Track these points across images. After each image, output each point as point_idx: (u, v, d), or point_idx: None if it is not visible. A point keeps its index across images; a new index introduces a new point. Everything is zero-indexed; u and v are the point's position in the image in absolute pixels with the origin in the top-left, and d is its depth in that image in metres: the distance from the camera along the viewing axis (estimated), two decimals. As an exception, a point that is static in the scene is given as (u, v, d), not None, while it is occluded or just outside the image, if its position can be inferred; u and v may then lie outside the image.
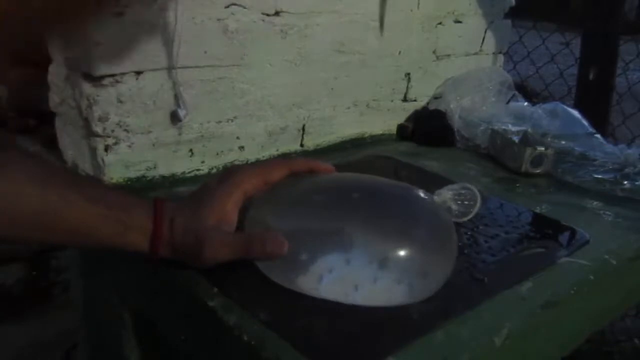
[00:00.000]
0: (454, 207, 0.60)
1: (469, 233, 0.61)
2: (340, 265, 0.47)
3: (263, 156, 0.84)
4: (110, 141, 0.67)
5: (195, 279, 0.50)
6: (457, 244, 0.52)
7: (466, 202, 0.60)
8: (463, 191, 0.61)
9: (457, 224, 0.59)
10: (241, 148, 0.81)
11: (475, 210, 0.61)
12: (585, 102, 1.63)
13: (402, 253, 0.48)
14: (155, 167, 0.72)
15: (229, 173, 0.52)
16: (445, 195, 0.59)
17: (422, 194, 0.54)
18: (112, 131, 0.67)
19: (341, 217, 0.50)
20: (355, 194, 0.52)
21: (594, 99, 1.65)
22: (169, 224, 0.48)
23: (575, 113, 0.98)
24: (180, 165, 0.75)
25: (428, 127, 0.99)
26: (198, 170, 0.77)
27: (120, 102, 0.66)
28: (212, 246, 0.47)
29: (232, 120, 0.78)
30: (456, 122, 0.97)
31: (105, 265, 0.67)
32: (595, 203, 0.75)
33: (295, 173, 0.54)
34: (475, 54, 1.12)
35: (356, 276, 0.47)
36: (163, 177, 0.74)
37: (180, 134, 0.73)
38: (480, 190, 0.62)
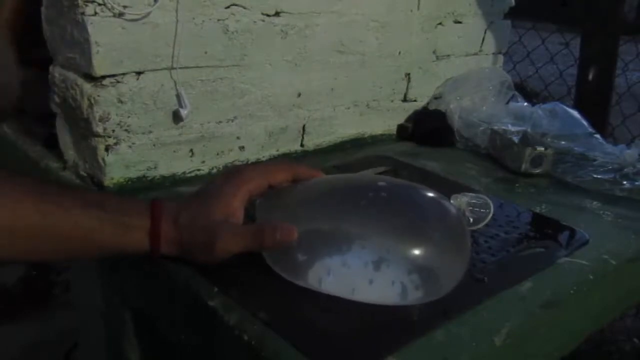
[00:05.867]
0: (467, 213, 0.60)
1: (468, 233, 0.62)
2: (341, 265, 0.47)
3: (263, 156, 0.84)
4: (110, 141, 0.67)
5: (195, 278, 0.50)
6: (470, 247, 0.51)
7: (478, 210, 0.61)
8: (477, 200, 0.61)
9: None
10: (241, 148, 0.81)
11: (488, 219, 0.61)
12: (584, 103, 1.63)
13: (411, 253, 0.47)
14: (155, 167, 0.72)
15: (235, 172, 0.52)
16: (461, 200, 0.59)
17: (438, 197, 0.53)
18: (113, 131, 0.67)
19: (349, 218, 0.50)
20: (368, 194, 0.51)
21: (594, 99, 1.66)
22: (173, 223, 0.48)
23: (575, 113, 0.98)
24: (180, 165, 0.75)
25: (428, 127, 0.99)
26: (198, 170, 0.77)
27: (121, 102, 0.66)
28: (224, 238, 0.48)
29: (232, 121, 0.78)
30: (456, 122, 0.97)
31: (105, 266, 0.67)
32: (594, 203, 0.75)
33: (298, 179, 0.55)
34: (475, 54, 1.12)
35: (358, 276, 0.47)
36: (164, 177, 0.74)
37: (180, 134, 0.73)
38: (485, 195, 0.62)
